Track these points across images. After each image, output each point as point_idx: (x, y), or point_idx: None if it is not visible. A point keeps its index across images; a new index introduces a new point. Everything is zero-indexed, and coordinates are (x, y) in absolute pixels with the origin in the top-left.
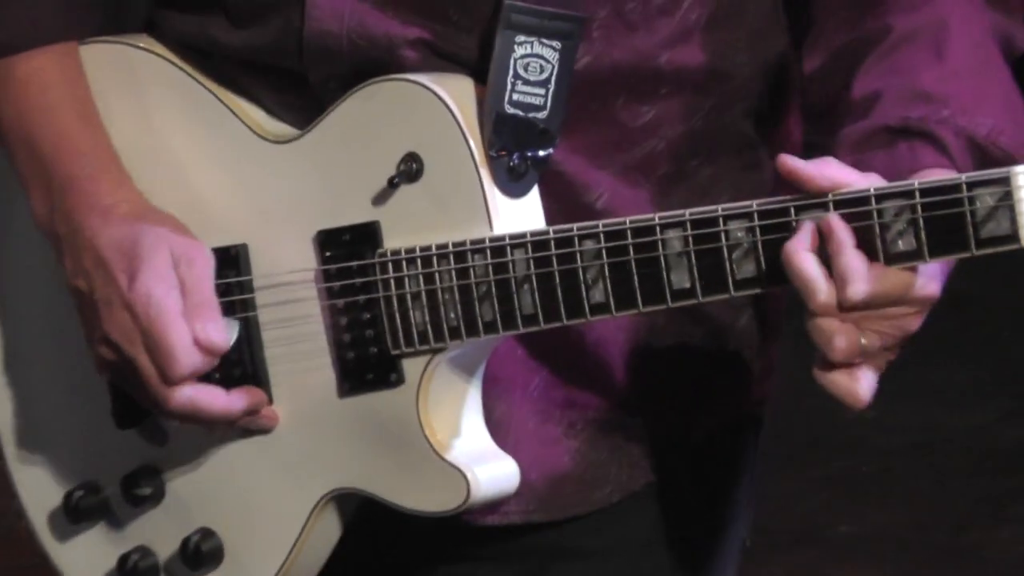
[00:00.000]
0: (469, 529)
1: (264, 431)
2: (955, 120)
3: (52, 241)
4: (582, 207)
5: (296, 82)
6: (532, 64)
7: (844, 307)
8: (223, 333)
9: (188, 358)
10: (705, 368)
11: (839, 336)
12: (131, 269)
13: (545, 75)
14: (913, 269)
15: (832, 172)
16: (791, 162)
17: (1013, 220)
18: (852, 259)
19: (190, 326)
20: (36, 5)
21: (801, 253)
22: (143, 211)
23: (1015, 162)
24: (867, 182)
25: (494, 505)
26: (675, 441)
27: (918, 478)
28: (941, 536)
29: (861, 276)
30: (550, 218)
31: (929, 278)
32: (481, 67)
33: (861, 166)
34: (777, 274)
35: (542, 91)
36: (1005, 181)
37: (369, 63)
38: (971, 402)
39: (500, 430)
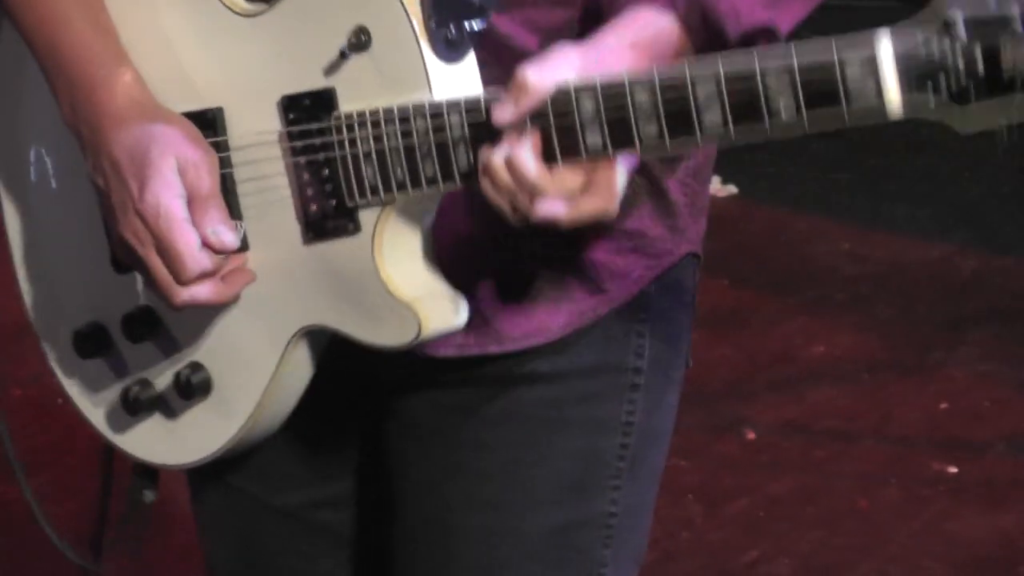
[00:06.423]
0: (431, 361)
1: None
2: None
3: (76, 137)
4: None
5: None
6: None
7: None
8: (232, 233)
9: (195, 263)
10: (634, 212)
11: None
12: (141, 176)
13: None
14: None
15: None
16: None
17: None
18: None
19: (200, 230)
20: None
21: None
22: (153, 113)
23: (725, 27)
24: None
25: (448, 337)
26: (618, 276)
27: (886, 304)
28: (907, 356)
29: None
30: (497, 81)
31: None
32: None
33: None
34: (676, 129)
35: None
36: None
37: None
38: (932, 236)
39: (454, 271)
